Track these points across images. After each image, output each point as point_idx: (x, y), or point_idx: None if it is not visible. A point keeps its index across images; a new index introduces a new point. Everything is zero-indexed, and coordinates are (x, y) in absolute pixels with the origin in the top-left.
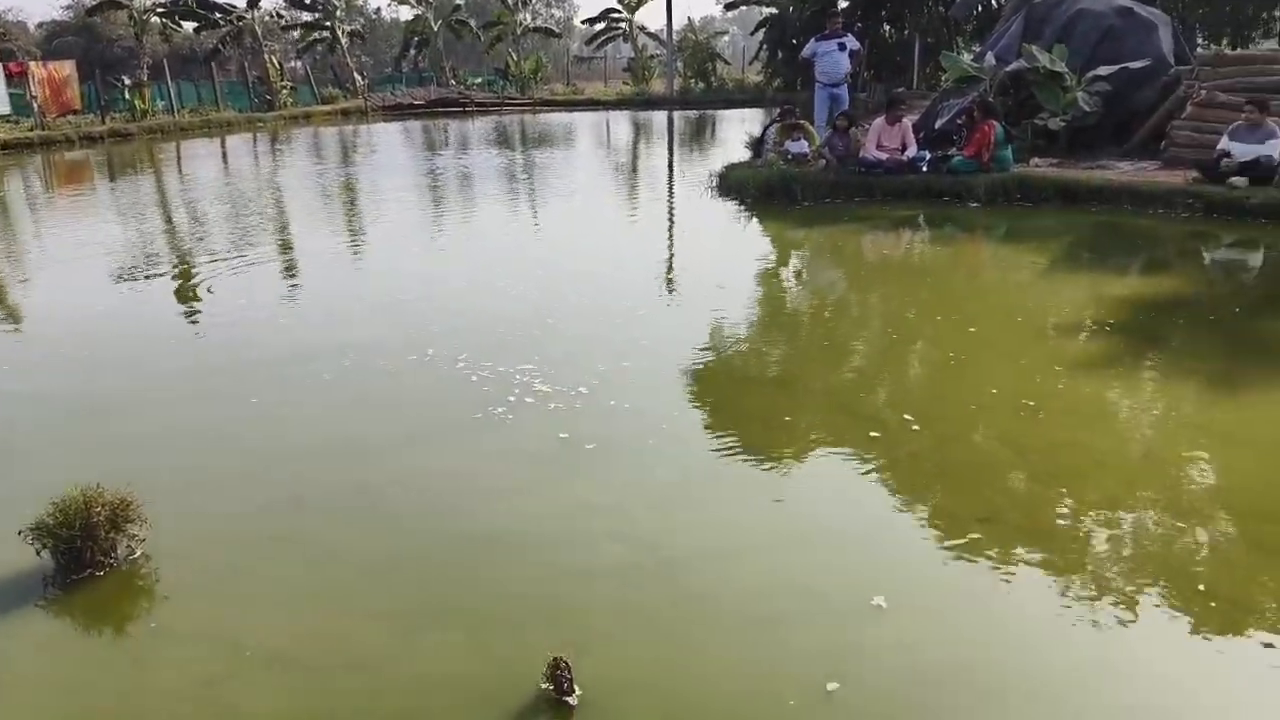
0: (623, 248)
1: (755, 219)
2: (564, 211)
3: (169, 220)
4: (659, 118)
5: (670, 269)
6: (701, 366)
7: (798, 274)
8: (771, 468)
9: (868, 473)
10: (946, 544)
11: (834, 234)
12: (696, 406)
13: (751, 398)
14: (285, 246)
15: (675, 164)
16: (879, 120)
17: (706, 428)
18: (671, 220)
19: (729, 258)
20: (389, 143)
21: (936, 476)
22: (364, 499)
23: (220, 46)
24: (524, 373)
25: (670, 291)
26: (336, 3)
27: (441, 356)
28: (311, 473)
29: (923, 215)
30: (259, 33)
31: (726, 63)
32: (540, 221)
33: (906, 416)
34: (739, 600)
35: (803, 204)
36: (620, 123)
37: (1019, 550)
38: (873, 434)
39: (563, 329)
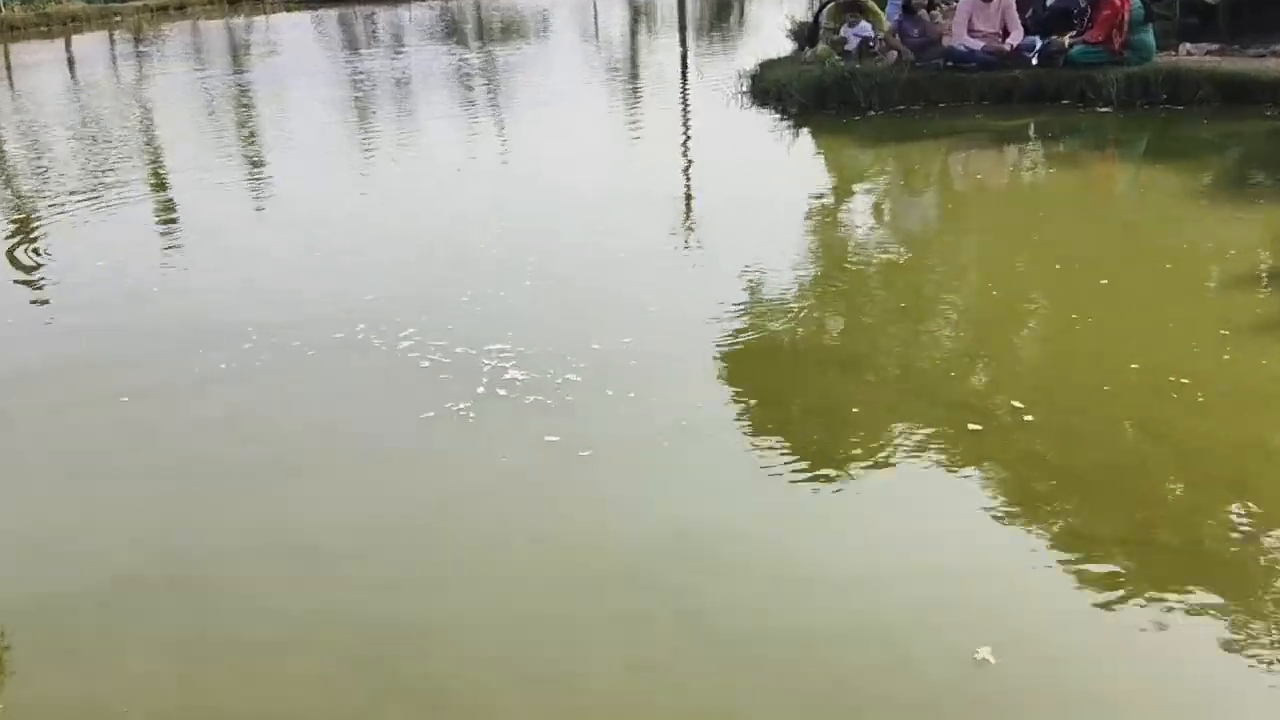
0: (621, 178)
1: (802, 134)
2: (539, 129)
3: None
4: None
5: (687, 207)
6: (733, 340)
7: (863, 210)
8: (834, 480)
9: (965, 481)
10: (1074, 576)
11: (910, 153)
12: (729, 396)
13: (804, 382)
14: (158, 184)
15: (690, 61)
16: None
17: (743, 425)
18: (687, 139)
19: (767, 189)
20: (296, 40)
21: (1060, 485)
22: (240, 570)
23: None
24: (493, 354)
25: (688, 238)
26: None
27: (378, 333)
28: (179, 524)
29: (1033, 125)
30: None
31: None
32: (507, 144)
33: (1016, 404)
34: (801, 669)
35: (867, 113)
36: (613, 7)
37: (1175, 585)
38: (972, 427)
39: (543, 292)
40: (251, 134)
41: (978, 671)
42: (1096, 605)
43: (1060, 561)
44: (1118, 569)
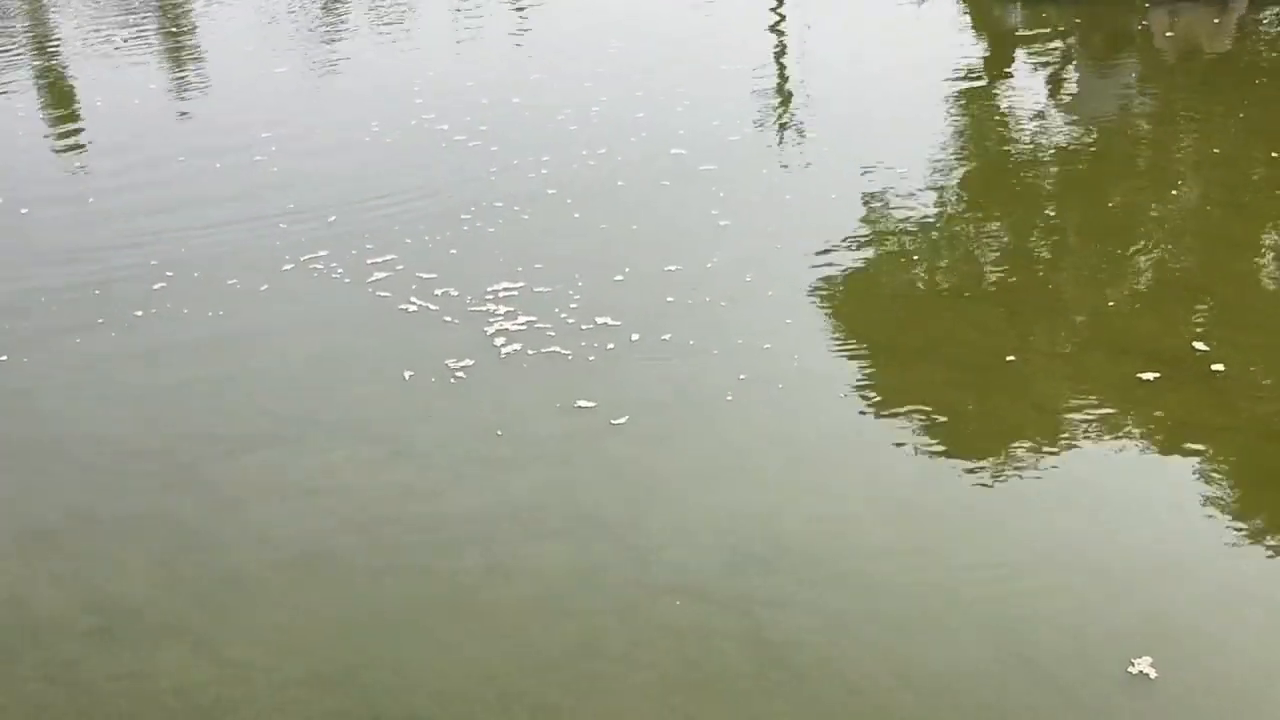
0: (679, 43)
1: None
2: None
3: None
4: None
5: (782, 79)
6: (842, 267)
7: (1027, 91)
8: (980, 453)
9: (1141, 457)
10: (1267, 579)
11: (1096, 12)
12: (834, 341)
13: (944, 324)
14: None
15: None
16: None
17: (853, 377)
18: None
19: (889, 60)
20: None
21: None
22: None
23: None
24: (498, 295)
25: (780, 126)
26: None
27: (341, 262)
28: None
29: None
30: None
31: None
32: (515, 7)
33: (1217, 367)
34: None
35: None
36: None
37: None
38: (1154, 380)
39: (562, 201)
40: None
41: (1138, 686)
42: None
43: (1255, 558)
44: None
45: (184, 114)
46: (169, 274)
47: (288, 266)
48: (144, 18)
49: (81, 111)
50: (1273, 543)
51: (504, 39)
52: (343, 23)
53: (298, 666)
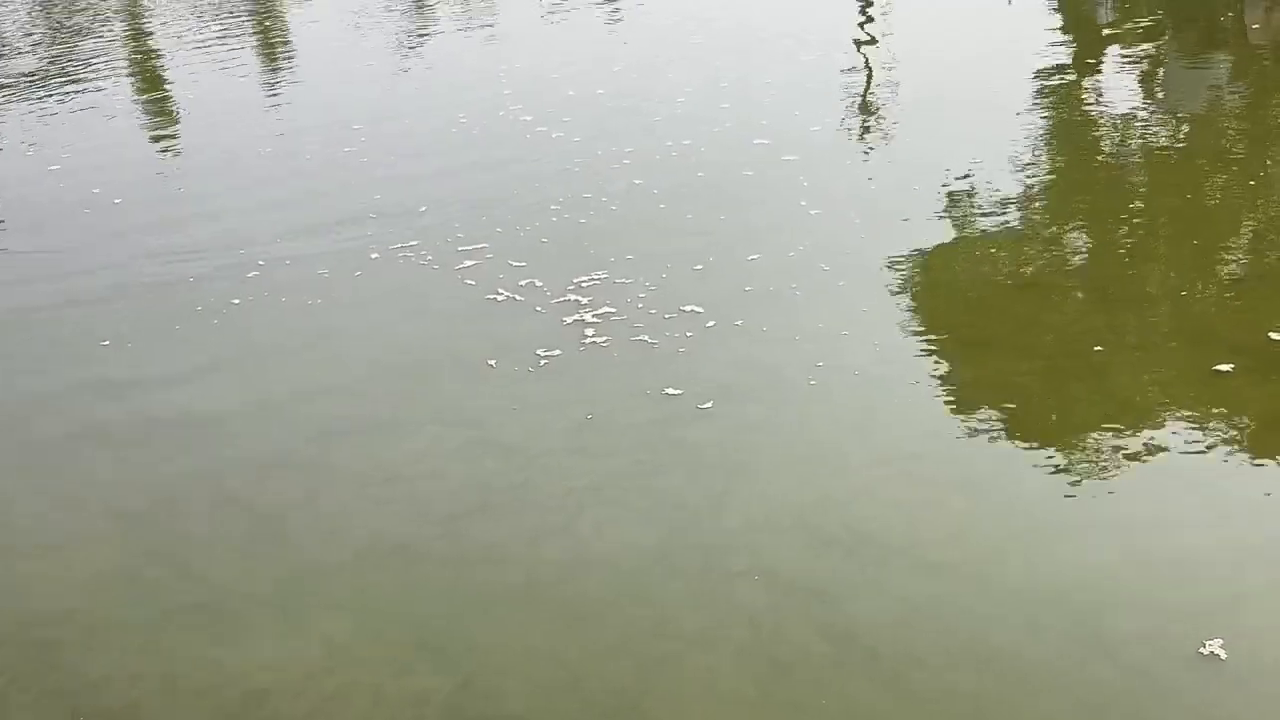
0: (761, 33)
1: None
2: None
3: None
4: None
5: (867, 70)
6: (922, 256)
7: (1121, 85)
8: (1057, 442)
9: (1231, 457)
10: None
11: (1188, 7)
12: (916, 332)
13: (1023, 314)
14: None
15: None
16: None
17: (938, 369)
18: None
19: (976, 52)
20: None
21: None
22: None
23: None
24: (583, 287)
25: (864, 117)
26: None
27: (431, 248)
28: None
29: None
30: None
31: None
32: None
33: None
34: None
35: None
36: None
37: None
38: (1220, 368)
39: (644, 197)
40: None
41: (1208, 666)
42: None
43: None
44: None
45: (274, 106)
46: (260, 263)
47: (375, 255)
48: (235, 16)
49: (174, 106)
50: None
51: (590, 31)
52: (432, 20)
53: (381, 648)
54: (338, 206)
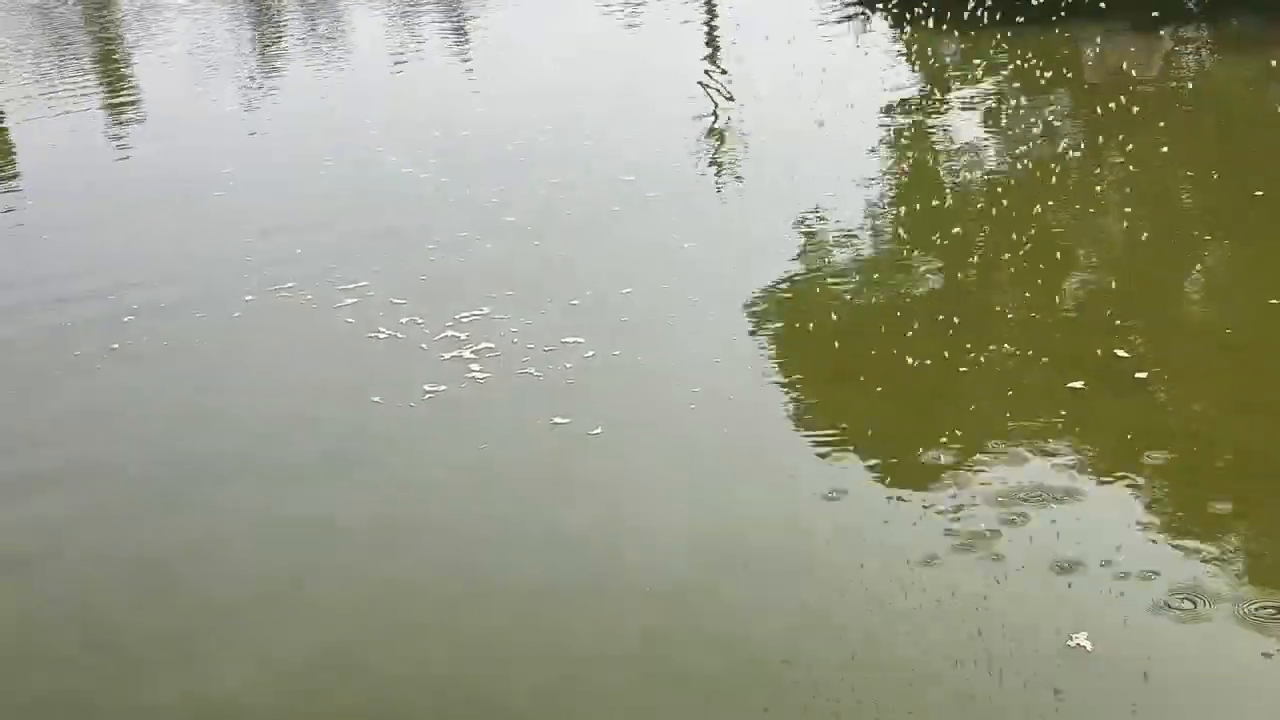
0: (621, 73)
1: (874, 22)
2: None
3: None
4: None
5: (718, 113)
6: (791, 289)
7: (961, 123)
8: (902, 463)
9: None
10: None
11: (1025, 44)
12: (783, 360)
13: (888, 339)
14: None
15: None
16: None
17: (806, 397)
18: (712, 27)
19: (826, 85)
20: None
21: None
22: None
23: None
24: (463, 323)
25: (716, 153)
26: None
27: (310, 289)
28: None
29: None
30: None
31: None
32: (457, 34)
33: (1137, 373)
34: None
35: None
36: None
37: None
38: (1072, 386)
39: (518, 233)
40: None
41: (1075, 659)
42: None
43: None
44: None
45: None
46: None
47: (250, 297)
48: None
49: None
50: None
51: (447, 71)
52: (279, 61)
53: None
54: (212, 251)
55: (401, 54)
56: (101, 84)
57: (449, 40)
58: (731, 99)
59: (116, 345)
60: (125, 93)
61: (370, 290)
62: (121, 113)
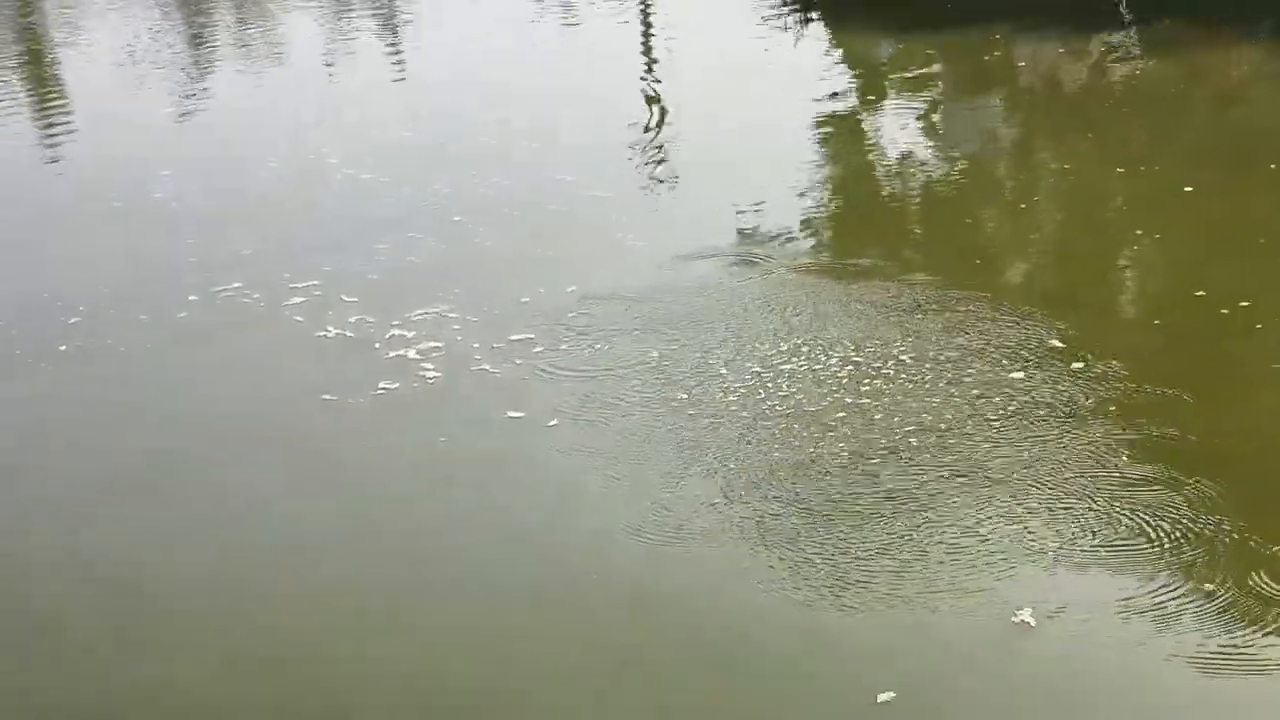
0: (557, 80)
1: (810, 22)
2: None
3: None
4: None
5: (656, 118)
6: (732, 289)
7: (895, 124)
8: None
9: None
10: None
11: (954, 44)
12: (730, 358)
13: (833, 339)
14: None
15: None
16: None
17: (764, 398)
18: (648, 25)
19: (763, 88)
20: None
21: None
22: None
23: None
24: (413, 321)
25: (653, 154)
26: None
27: (258, 288)
28: None
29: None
30: None
31: None
32: (387, 39)
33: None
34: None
35: None
36: None
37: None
38: (1014, 375)
39: (465, 233)
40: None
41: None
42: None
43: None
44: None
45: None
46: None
47: (194, 297)
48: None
49: None
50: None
51: (383, 74)
52: (211, 60)
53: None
54: (154, 253)
55: (333, 51)
56: (29, 87)
57: (383, 37)
58: (659, 100)
59: (64, 347)
60: (52, 97)
61: (318, 290)
62: (50, 115)
